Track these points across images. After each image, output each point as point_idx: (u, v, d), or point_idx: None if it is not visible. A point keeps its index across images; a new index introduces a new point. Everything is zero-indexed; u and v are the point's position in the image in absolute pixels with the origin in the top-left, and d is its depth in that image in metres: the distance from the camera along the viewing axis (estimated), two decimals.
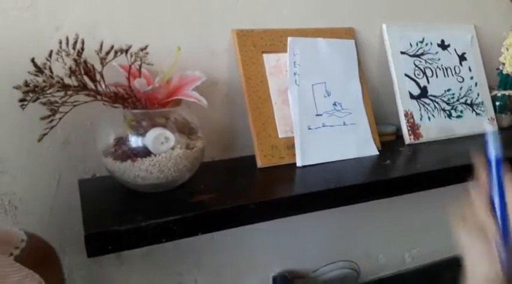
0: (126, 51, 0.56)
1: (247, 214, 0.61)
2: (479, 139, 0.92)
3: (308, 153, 0.77)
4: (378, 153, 0.82)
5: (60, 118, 0.59)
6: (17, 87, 0.56)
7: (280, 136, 0.77)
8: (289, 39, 0.79)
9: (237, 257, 0.86)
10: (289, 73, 0.79)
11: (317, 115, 0.80)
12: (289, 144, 0.77)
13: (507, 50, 0.96)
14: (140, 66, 0.59)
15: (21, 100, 0.56)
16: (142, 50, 0.57)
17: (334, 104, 0.82)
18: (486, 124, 0.50)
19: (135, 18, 0.71)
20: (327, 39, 0.83)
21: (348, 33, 0.87)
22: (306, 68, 0.80)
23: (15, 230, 0.54)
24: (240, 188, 0.68)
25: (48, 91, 0.56)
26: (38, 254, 0.55)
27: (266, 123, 0.77)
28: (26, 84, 0.55)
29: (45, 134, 0.59)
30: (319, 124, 0.79)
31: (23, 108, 0.58)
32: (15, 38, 0.64)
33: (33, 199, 0.70)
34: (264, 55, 0.78)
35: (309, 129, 0.78)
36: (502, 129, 0.99)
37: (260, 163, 0.75)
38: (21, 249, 0.52)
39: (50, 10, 0.66)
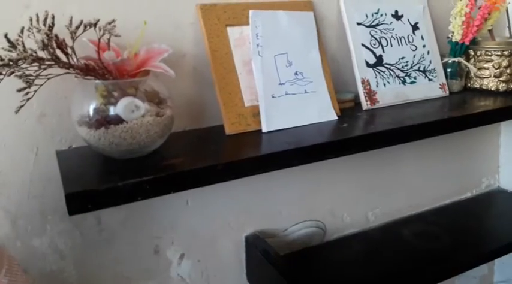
0: (95, 24, 0.60)
1: (216, 174, 0.67)
2: (431, 103, 1.01)
3: (272, 120, 0.82)
4: (336, 118, 0.89)
5: (35, 91, 0.63)
6: None
7: (246, 104, 0.83)
8: (251, 12, 0.84)
9: (211, 220, 0.92)
10: (252, 45, 0.84)
11: (280, 84, 0.85)
12: (255, 112, 0.83)
13: (455, 18, 1.03)
14: (109, 39, 0.63)
15: None
16: (109, 23, 0.61)
17: (296, 73, 0.87)
18: None
19: None
20: (287, 11, 0.88)
21: (307, 5, 0.92)
22: (268, 39, 0.85)
23: None
24: (209, 152, 0.74)
25: (22, 65, 0.60)
26: None
27: (232, 92, 0.82)
28: (1, 58, 0.59)
29: (22, 106, 0.62)
30: (282, 92, 0.85)
31: None
32: None
33: (13, 171, 0.74)
34: (228, 28, 0.83)
35: (273, 97, 0.84)
36: (452, 94, 1.07)
37: (228, 130, 0.81)
38: None
39: None
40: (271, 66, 0.85)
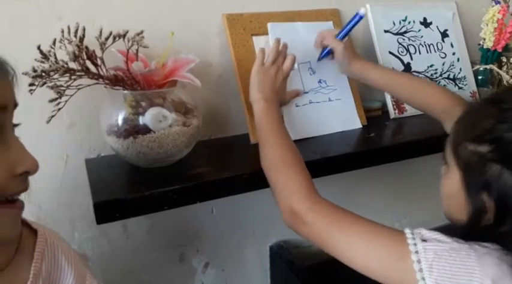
0: (124, 35, 0.61)
1: (241, 184, 0.67)
2: None
3: (296, 129, 0.82)
4: (361, 126, 0.87)
5: (66, 101, 0.64)
6: (25, 73, 0.61)
7: None
8: (269, 25, 0.84)
9: (236, 228, 0.92)
10: None
11: (304, 92, 0.85)
12: None
13: (487, 25, 1.00)
14: (137, 50, 0.64)
15: (30, 85, 0.61)
16: (138, 34, 0.62)
17: (319, 81, 0.87)
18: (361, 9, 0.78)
19: (131, 6, 0.75)
20: (305, 22, 0.87)
21: (334, 14, 0.91)
22: (289, 49, 0.84)
23: None
24: (234, 161, 0.74)
25: (54, 76, 0.61)
26: None
27: None
28: (34, 70, 0.60)
29: (53, 116, 0.64)
30: (306, 101, 0.85)
31: (31, 93, 0.62)
32: (20, 29, 0.69)
33: (44, 178, 0.75)
34: (254, 37, 0.83)
35: (297, 106, 0.83)
36: None
37: (253, 139, 0.80)
38: None
39: (51, 1, 0.70)
40: (295, 75, 0.85)
